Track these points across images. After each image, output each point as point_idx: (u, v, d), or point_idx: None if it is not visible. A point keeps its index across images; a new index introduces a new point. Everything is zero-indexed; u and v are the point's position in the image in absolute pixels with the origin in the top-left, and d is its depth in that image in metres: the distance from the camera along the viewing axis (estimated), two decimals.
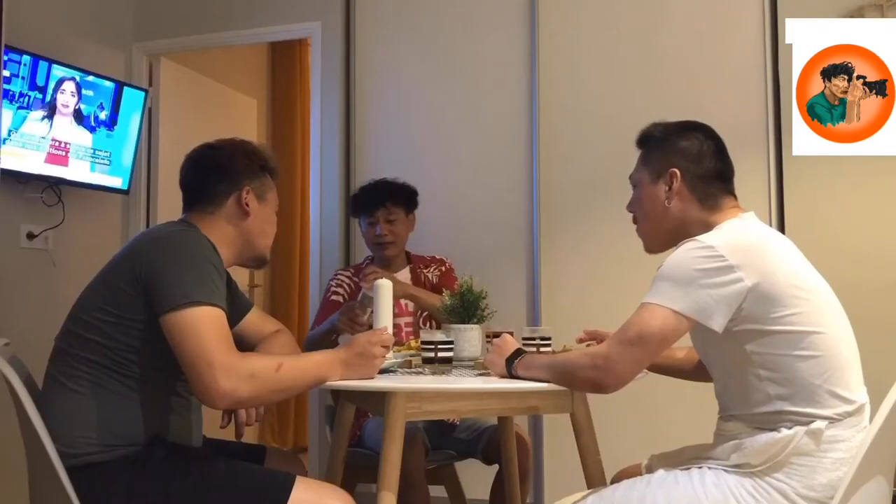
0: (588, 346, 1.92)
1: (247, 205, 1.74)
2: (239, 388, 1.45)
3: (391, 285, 1.90)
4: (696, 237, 1.51)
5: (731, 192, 1.65)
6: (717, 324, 1.44)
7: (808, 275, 1.53)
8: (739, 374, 1.50)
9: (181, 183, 1.79)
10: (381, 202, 2.72)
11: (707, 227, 1.58)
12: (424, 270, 2.79)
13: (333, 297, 2.70)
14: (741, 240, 1.50)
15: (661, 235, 1.68)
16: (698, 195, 1.62)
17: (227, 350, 1.46)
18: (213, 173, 1.76)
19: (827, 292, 1.54)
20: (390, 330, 1.82)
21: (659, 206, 1.64)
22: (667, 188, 1.63)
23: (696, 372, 1.82)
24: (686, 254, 1.49)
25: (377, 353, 1.66)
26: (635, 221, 1.74)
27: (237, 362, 1.46)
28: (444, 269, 2.80)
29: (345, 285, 2.72)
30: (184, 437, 1.65)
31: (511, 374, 1.69)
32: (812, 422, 1.42)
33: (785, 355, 1.44)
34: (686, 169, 1.62)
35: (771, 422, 1.46)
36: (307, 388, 1.63)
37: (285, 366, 1.54)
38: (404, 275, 2.75)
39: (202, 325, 1.46)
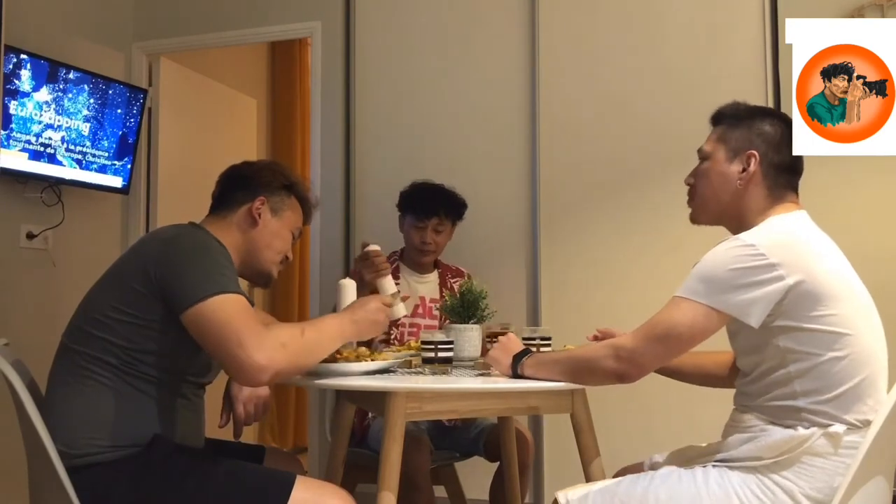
0: None
1: (258, 214, 1.77)
2: (274, 358, 1.46)
3: (354, 284, 1.98)
4: (737, 236, 1.50)
5: (795, 188, 1.63)
6: (755, 320, 1.43)
7: (849, 277, 1.52)
8: (769, 367, 1.49)
9: (211, 195, 1.85)
10: (436, 211, 2.72)
11: (762, 216, 1.56)
12: (451, 280, 2.81)
13: None
14: (782, 237, 1.49)
15: (716, 212, 1.65)
16: (769, 184, 1.59)
17: (254, 327, 1.47)
18: (236, 182, 1.82)
19: (865, 297, 1.53)
20: None
21: (729, 185, 1.61)
22: (741, 169, 1.60)
23: (704, 377, 1.82)
24: (725, 254, 1.47)
25: (382, 317, 1.77)
26: (691, 194, 1.70)
27: (266, 335, 1.48)
28: None
29: None
30: (187, 438, 1.65)
31: (515, 374, 1.69)
32: (831, 425, 1.41)
33: (819, 354, 1.43)
34: (765, 154, 1.60)
35: (789, 417, 1.45)
36: (331, 348, 1.66)
37: (307, 330, 1.58)
38: (433, 278, 2.80)
39: (223, 311, 1.48)
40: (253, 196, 1.78)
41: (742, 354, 1.58)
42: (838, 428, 1.41)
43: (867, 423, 1.42)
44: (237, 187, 1.81)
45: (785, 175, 1.61)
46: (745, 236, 1.49)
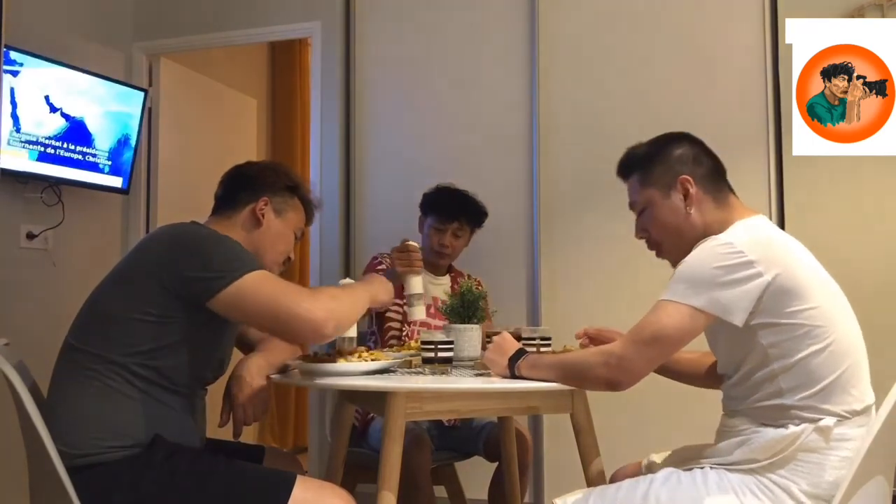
0: (583, 345, 1.92)
1: (262, 215, 1.78)
2: (332, 309, 1.51)
3: (354, 283, 1.99)
4: (715, 236, 1.53)
5: (729, 186, 1.67)
6: (739, 319, 1.45)
7: (819, 272, 1.54)
8: (752, 367, 1.50)
9: (214, 195, 1.86)
10: (457, 216, 2.73)
11: (725, 225, 1.58)
12: None
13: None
14: (759, 235, 1.52)
15: (684, 244, 1.63)
16: (712, 194, 1.63)
17: (301, 288, 1.53)
18: (239, 183, 1.83)
19: (839, 292, 1.55)
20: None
21: (681, 218, 1.63)
22: (682, 197, 1.63)
23: (705, 378, 1.82)
24: (705, 253, 1.49)
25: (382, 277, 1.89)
26: (652, 245, 1.72)
27: (316, 292, 1.54)
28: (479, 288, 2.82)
29: None
30: (188, 438, 1.64)
31: (513, 374, 1.69)
32: (821, 419, 1.43)
33: (799, 349, 1.45)
34: (693, 172, 1.63)
35: (778, 417, 1.46)
36: (363, 307, 1.72)
37: (337, 291, 1.66)
38: (445, 281, 2.81)
39: (266, 283, 1.52)
40: (257, 197, 1.79)
41: (724, 356, 1.60)
42: (828, 421, 1.42)
43: (855, 413, 1.44)
44: (240, 188, 1.81)
45: (716, 179, 1.65)
46: (722, 236, 1.52)
